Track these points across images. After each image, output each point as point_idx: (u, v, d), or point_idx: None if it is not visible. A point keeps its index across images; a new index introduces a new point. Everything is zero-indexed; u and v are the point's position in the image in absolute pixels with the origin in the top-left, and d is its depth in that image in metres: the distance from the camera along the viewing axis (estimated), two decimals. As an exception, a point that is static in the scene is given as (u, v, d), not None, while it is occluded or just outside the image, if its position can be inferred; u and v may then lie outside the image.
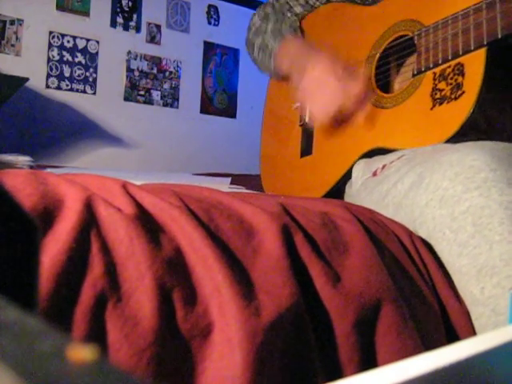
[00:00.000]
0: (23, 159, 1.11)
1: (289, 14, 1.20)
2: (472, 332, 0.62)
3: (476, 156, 0.65)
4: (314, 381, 0.46)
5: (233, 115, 3.07)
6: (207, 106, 2.97)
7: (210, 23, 3.00)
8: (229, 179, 1.25)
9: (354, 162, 0.97)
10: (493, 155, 0.65)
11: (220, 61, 3.03)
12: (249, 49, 1.23)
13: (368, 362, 0.51)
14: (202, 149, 2.89)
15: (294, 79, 1.03)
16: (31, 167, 1.08)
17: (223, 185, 1.06)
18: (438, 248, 0.67)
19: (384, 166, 0.86)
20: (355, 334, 0.50)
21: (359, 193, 0.90)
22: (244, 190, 1.00)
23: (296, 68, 1.01)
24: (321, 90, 0.93)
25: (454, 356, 0.16)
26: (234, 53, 3.07)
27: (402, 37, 0.93)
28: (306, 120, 1.13)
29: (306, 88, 0.96)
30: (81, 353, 0.12)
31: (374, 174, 0.88)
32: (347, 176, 0.99)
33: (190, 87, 2.91)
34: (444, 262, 0.66)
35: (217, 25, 3.02)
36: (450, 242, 0.64)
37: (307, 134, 1.13)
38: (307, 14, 1.20)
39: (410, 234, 0.68)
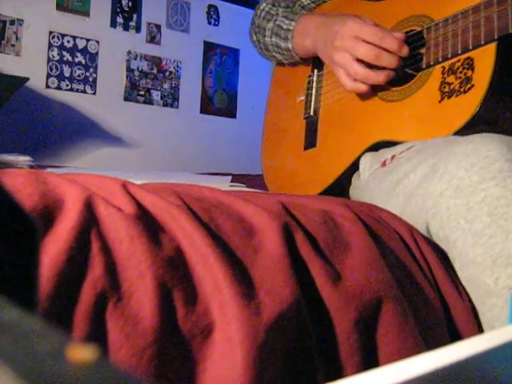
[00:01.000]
0: (23, 159, 1.11)
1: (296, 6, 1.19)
2: (475, 328, 0.62)
3: (491, 146, 0.65)
4: (314, 380, 0.46)
5: (233, 115, 3.06)
6: (207, 106, 2.97)
7: (210, 23, 3.00)
8: (229, 178, 1.25)
9: (359, 155, 0.96)
10: (508, 146, 0.65)
11: (220, 61, 3.03)
12: (257, 36, 1.19)
13: (369, 360, 0.51)
14: (202, 149, 2.89)
15: (322, 50, 0.99)
16: (31, 167, 1.08)
17: (223, 183, 1.06)
18: (451, 238, 0.66)
19: (393, 157, 0.86)
20: (356, 332, 0.50)
21: (368, 183, 0.90)
22: (245, 188, 1.00)
23: (322, 37, 0.98)
24: (358, 42, 0.89)
25: (453, 356, 0.16)
26: (234, 53, 3.07)
27: (411, 31, 0.92)
28: (342, 82, 1.07)
29: (343, 45, 0.92)
30: (81, 353, 0.12)
31: (383, 164, 0.87)
32: (351, 169, 0.98)
33: (190, 87, 2.91)
34: (457, 252, 0.66)
35: (217, 25, 3.02)
36: (465, 231, 0.64)
37: (312, 127, 1.12)
38: (314, 7, 1.19)
39: (411, 230, 0.68)
